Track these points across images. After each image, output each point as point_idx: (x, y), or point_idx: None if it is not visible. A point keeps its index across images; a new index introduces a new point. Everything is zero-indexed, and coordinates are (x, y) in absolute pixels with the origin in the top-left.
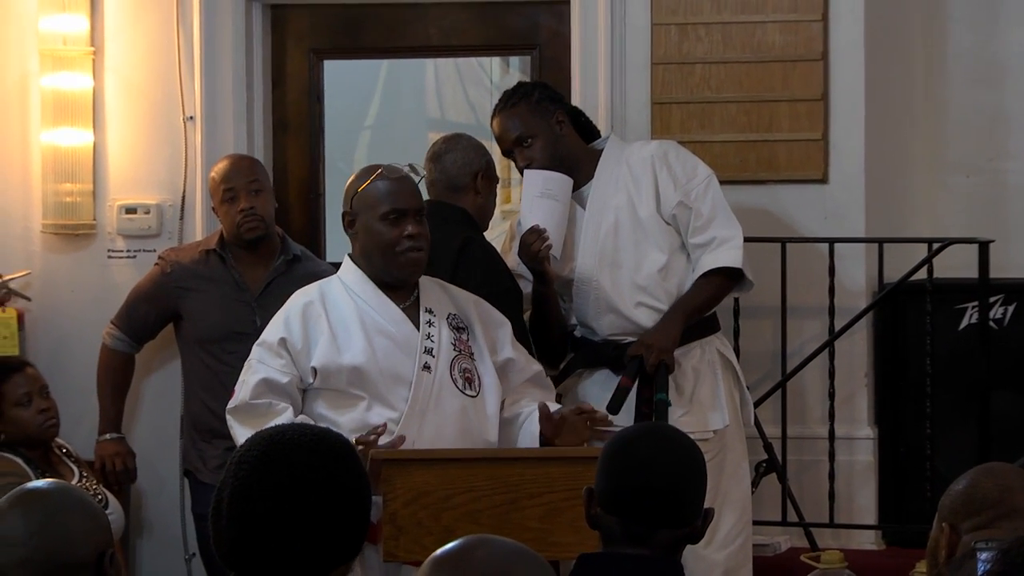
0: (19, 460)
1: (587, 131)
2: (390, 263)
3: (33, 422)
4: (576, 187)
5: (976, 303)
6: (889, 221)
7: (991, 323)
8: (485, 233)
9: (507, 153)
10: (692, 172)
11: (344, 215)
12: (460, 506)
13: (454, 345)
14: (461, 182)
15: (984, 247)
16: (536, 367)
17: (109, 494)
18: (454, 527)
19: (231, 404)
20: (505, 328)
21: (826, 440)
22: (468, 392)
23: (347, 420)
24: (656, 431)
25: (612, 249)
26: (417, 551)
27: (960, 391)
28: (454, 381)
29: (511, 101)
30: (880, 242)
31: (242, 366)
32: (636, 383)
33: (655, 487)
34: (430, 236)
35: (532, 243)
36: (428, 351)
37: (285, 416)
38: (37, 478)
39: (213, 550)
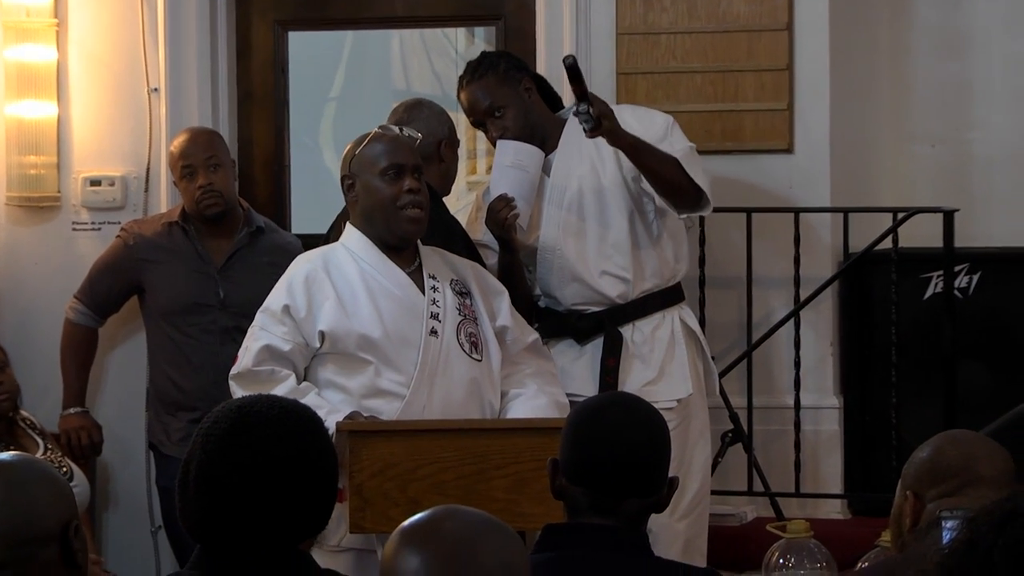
0: None
1: (551, 99)
2: (391, 220)
3: None
4: (543, 153)
5: (941, 272)
6: (855, 191)
7: (956, 292)
8: (450, 201)
9: (477, 124)
10: (649, 123)
11: (343, 179)
12: (426, 477)
13: (459, 309)
14: (426, 152)
15: (949, 216)
16: (532, 336)
17: (74, 466)
18: (421, 499)
19: (234, 370)
20: (503, 296)
21: (792, 410)
22: (475, 356)
23: (356, 385)
24: (619, 401)
25: (576, 218)
26: (384, 523)
27: (926, 360)
28: (461, 345)
29: (478, 72)
30: (845, 211)
31: (205, 338)
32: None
33: (620, 457)
34: (428, 195)
35: (500, 210)
36: (434, 316)
37: (287, 383)
38: (1, 451)
39: (179, 522)
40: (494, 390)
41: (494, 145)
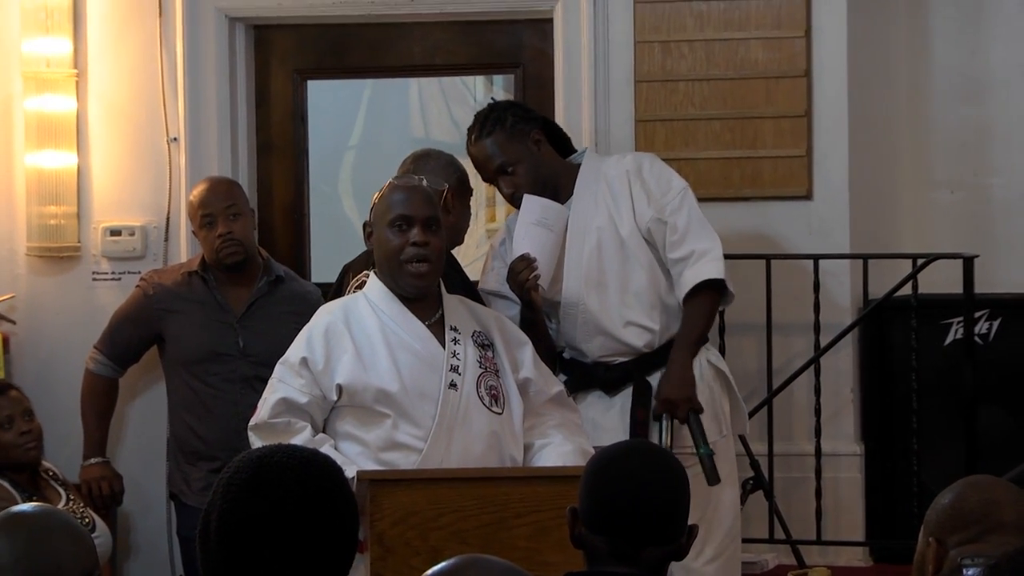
0: (5, 484)
1: (562, 144)
2: (396, 273)
3: (13, 445)
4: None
5: (961, 318)
6: (874, 237)
7: (976, 338)
8: (468, 249)
9: (489, 180)
10: (667, 186)
11: (364, 226)
12: (447, 526)
13: (480, 362)
14: None
15: (969, 262)
16: (557, 387)
17: (96, 517)
18: (442, 547)
19: (252, 422)
20: (526, 347)
21: (813, 457)
22: (495, 409)
23: (373, 438)
24: (637, 448)
25: (597, 270)
26: (405, 571)
27: (946, 406)
28: (481, 399)
29: (485, 129)
30: (865, 258)
31: (225, 387)
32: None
33: (640, 506)
34: (444, 248)
35: (520, 271)
36: (454, 368)
37: (303, 435)
38: (24, 502)
39: (200, 572)
40: (515, 443)
41: (508, 200)
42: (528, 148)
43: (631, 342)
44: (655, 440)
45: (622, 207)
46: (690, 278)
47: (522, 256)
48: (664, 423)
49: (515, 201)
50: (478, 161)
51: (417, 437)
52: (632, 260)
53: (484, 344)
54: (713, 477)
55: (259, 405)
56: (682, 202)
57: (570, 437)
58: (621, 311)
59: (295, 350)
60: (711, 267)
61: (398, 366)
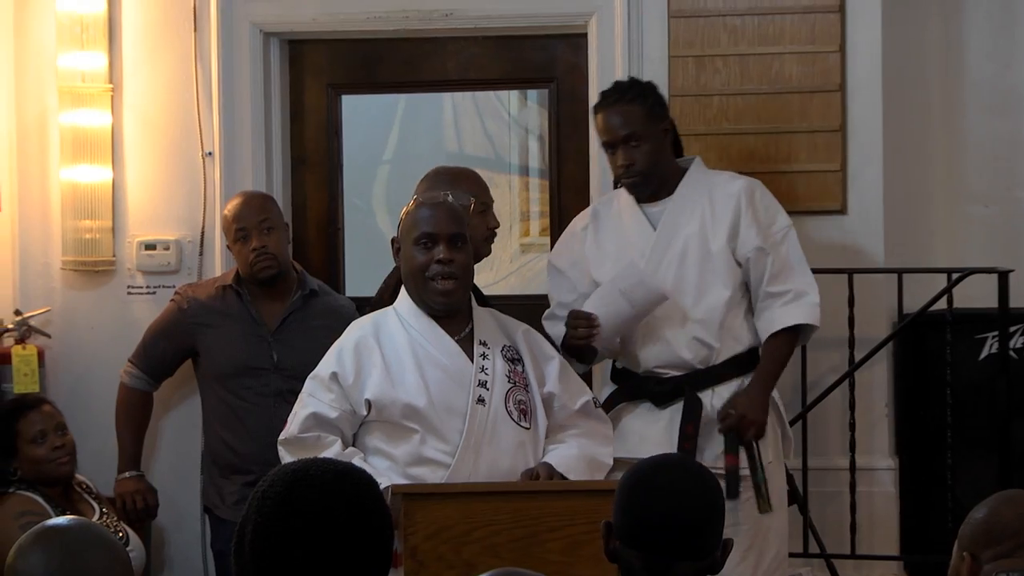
0: (39, 498)
1: (677, 147)
2: (422, 290)
3: (46, 459)
4: (655, 199)
5: (996, 333)
6: (908, 251)
7: (1011, 353)
8: (496, 263)
9: (608, 146)
10: (774, 218)
11: (392, 242)
12: (481, 540)
13: (508, 377)
14: None
15: (1004, 276)
16: (584, 398)
17: (130, 531)
18: (475, 561)
19: (282, 436)
20: (553, 361)
21: (847, 471)
22: (523, 424)
23: (401, 453)
24: (672, 463)
25: (675, 278)
26: None
27: (981, 421)
28: (509, 414)
29: (627, 96)
30: (899, 272)
31: (259, 401)
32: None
33: (674, 520)
34: (470, 264)
35: (578, 328)
36: (482, 384)
37: (333, 449)
38: (57, 516)
39: None
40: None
41: (615, 172)
42: (658, 132)
43: (687, 357)
44: (714, 451)
45: (722, 224)
46: (783, 317)
47: (588, 316)
48: (730, 439)
49: (626, 175)
50: (608, 124)
51: (445, 452)
52: (713, 276)
53: (513, 359)
54: (766, 505)
55: (289, 420)
56: (786, 237)
57: (581, 443)
58: (688, 323)
59: (325, 365)
60: (808, 311)
61: (426, 381)
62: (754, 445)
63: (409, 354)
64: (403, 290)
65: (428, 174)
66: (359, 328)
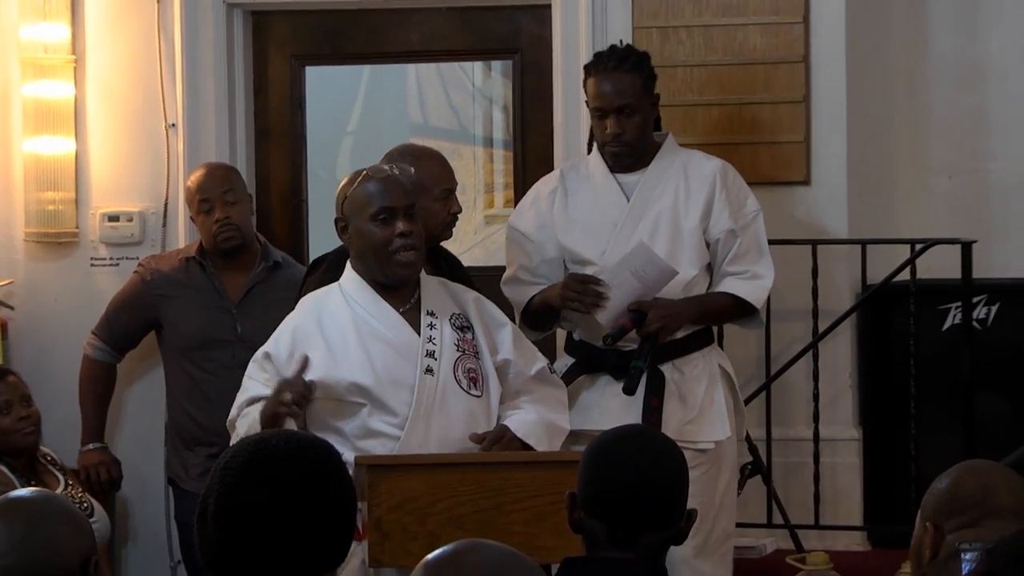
0: (4, 469)
1: (657, 120)
2: (384, 264)
3: (11, 430)
4: (629, 169)
5: (959, 304)
6: (872, 222)
7: (974, 323)
8: (460, 235)
9: (599, 112)
10: (744, 201)
11: (336, 221)
12: (445, 511)
13: (457, 345)
14: None
15: (967, 247)
16: (539, 364)
17: (95, 502)
18: (440, 532)
19: (228, 418)
20: (505, 328)
21: (811, 442)
22: (473, 392)
23: (351, 428)
24: (636, 433)
25: None
26: (403, 556)
27: (944, 392)
28: (458, 382)
29: (625, 65)
30: (863, 243)
31: (223, 373)
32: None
33: (637, 490)
34: (423, 232)
35: (584, 294)
36: (430, 354)
37: None
38: (22, 487)
39: (198, 557)
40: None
41: (603, 139)
42: (649, 104)
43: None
44: (640, 354)
45: (696, 203)
46: (733, 286)
47: (598, 287)
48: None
49: (614, 143)
50: (602, 91)
51: (393, 424)
52: (681, 253)
53: (463, 326)
54: (632, 387)
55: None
56: (754, 221)
57: (539, 409)
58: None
59: (265, 345)
60: (755, 292)
61: (371, 358)
62: (651, 339)
63: (353, 332)
64: (347, 266)
65: (392, 151)
66: (301, 307)
